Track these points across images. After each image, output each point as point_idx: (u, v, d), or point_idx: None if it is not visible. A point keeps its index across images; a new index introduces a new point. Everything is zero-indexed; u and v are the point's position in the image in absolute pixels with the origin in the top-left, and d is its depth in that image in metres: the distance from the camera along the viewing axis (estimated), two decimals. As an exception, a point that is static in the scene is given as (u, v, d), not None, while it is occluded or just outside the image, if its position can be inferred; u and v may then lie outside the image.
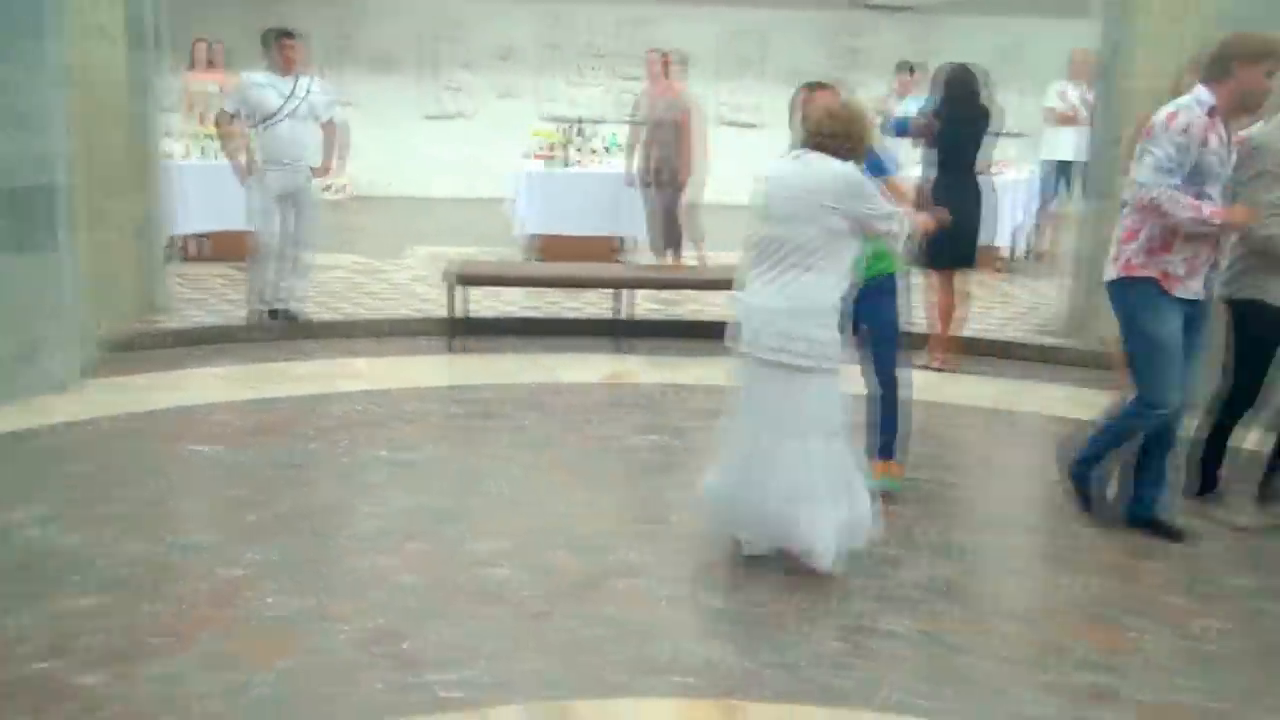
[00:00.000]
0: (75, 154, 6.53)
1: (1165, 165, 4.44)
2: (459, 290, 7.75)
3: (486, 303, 8.53)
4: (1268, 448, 5.17)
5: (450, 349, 7.69)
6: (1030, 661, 3.81)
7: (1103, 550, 4.73)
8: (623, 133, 12.85)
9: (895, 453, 5.18)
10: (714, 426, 4.87)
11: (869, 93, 14.84)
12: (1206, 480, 5.24)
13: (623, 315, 8.04)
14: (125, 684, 3.46)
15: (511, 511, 4.96)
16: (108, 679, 3.48)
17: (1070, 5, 11.21)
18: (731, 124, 15.32)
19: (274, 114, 7.51)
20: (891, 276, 5.00)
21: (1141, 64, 7.54)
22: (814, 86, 5.02)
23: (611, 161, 10.89)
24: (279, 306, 7.88)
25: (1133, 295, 4.64)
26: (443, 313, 7.92)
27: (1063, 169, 10.66)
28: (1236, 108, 4.53)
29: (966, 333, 8.06)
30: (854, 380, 4.92)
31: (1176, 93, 5.97)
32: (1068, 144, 10.46)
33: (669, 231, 9.52)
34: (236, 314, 8.05)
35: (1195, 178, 4.48)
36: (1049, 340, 8.07)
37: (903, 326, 5.17)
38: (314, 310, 8.21)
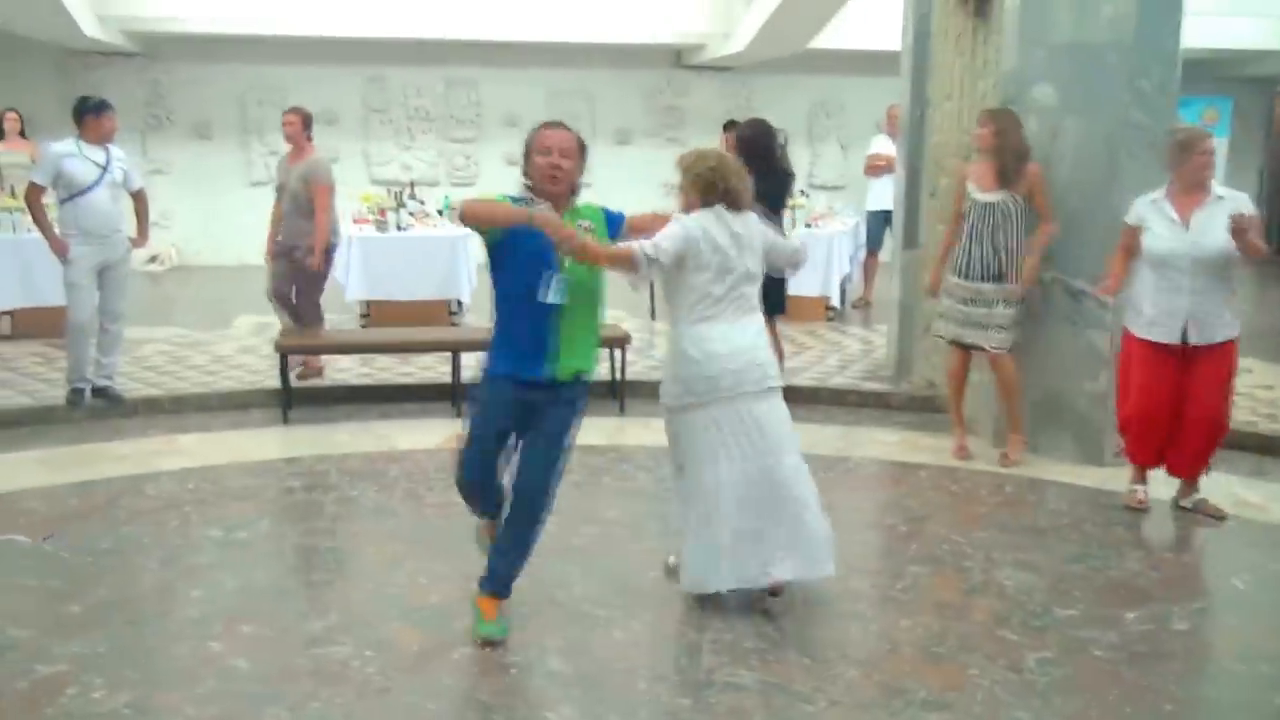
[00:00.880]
0: None
1: None
2: (290, 359, 7.57)
3: (317, 371, 8.35)
4: None
5: (283, 420, 7.47)
6: (874, 705, 3.87)
7: (937, 590, 4.87)
8: (457, 195, 12.85)
9: None
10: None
11: (693, 148, 15.18)
12: None
13: (460, 379, 7.95)
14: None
15: (347, 586, 4.83)
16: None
17: (882, 64, 11.70)
18: (561, 183, 15.39)
19: (88, 185, 7.22)
20: None
21: (944, 119, 7.90)
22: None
23: (444, 224, 10.83)
24: (100, 384, 7.54)
25: None
26: (273, 384, 7.72)
27: (886, 219, 11.06)
28: None
29: (801, 381, 8.25)
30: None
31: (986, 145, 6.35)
32: (888, 194, 10.86)
33: (307, 316, 8.27)
34: (52, 394, 7.67)
35: None
36: (878, 386, 8.31)
37: None
38: (136, 387, 7.88)
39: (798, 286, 10.63)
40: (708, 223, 4.39)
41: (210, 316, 10.79)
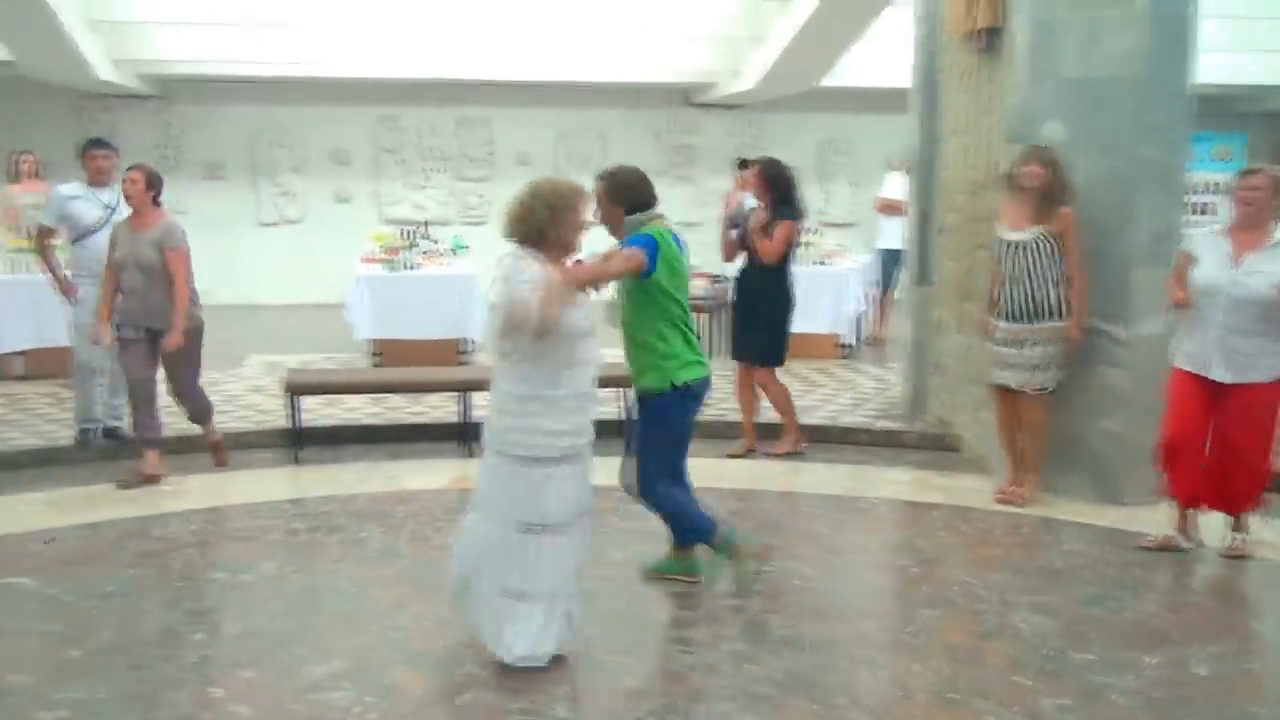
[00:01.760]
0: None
1: None
2: (299, 399, 7.54)
3: (327, 411, 8.31)
4: None
5: (293, 460, 7.44)
6: (884, 753, 3.79)
7: (950, 633, 4.78)
8: (467, 235, 12.87)
9: None
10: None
11: (704, 186, 15.24)
12: None
13: (469, 418, 7.91)
14: None
15: (351, 630, 4.76)
16: None
17: (892, 101, 11.70)
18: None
19: (95, 227, 7.23)
20: None
21: (952, 155, 7.87)
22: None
23: (455, 263, 10.84)
24: (110, 425, 7.52)
25: None
26: (282, 423, 7.69)
27: (897, 257, 11.02)
28: None
29: (812, 420, 8.19)
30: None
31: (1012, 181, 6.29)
32: (899, 234, 10.84)
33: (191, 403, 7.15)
34: (62, 434, 7.65)
35: None
36: (890, 425, 8.23)
37: None
38: (143, 427, 7.85)
39: (807, 324, 10.62)
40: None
41: (221, 356, 10.72)
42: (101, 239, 7.22)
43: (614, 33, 13.69)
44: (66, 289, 7.31)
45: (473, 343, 10.75)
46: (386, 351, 10.12)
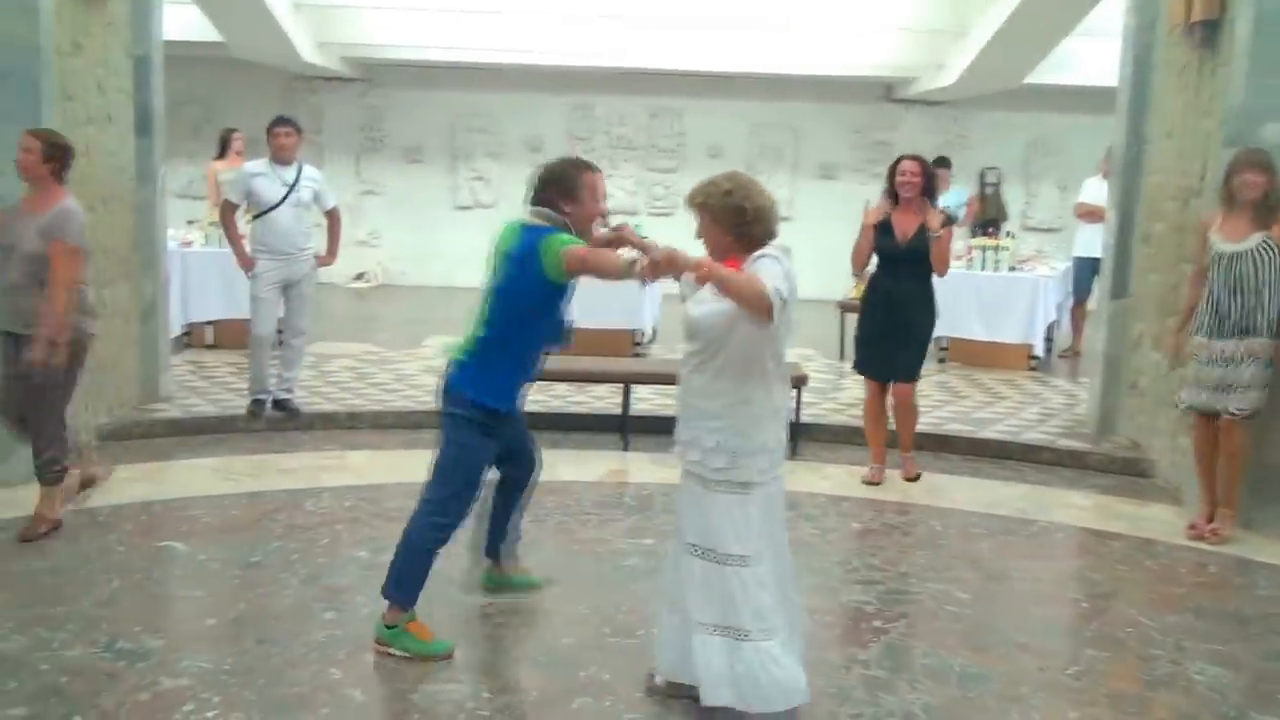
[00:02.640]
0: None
1: None
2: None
3: (493, 395, 8.31)
4: None
5: (451, 443, 7.45)
6: (1022, 807, 3.45)
7: (1115, 678, 4.36)
8: (647, 225, 12.75)
9: None
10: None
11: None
12: None
13: (629, 411, 7.78)
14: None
15: (479, 621, 4.67)
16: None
17: (1107, 101, 11.02)
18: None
19: (274, 203, 7.41)
20: None
21: (1162, 159, 7.29)
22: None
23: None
24: (281, 397, 7.71)
25: None
26: (447, 406, 7.72)
27: (1094, 266, 10.35)
28: None
29: (991, 434, 7.75)
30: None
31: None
32: (1098, 241, 10.17)
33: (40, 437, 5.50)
34: (238, 404, 7.89)
35: None
36: (1075, 444, 7.69)
37: None
38: (316, 401, 8.04)
39: (996, 333, 10.10)
40: (784, 261, 3.74)
41: (403, 335, 11.00)
42: (277, 215, 7.41)
43: (810, 23, 13.33)
44: (245, 262, 7.52)
45: (655, 332, 10.68)
46: (560, 339, 10.07)
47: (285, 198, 7.44)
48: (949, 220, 6.82)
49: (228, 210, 7.65)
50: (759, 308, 3.54)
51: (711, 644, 3.72)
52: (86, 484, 5.99)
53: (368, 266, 14.95)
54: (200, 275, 9.77)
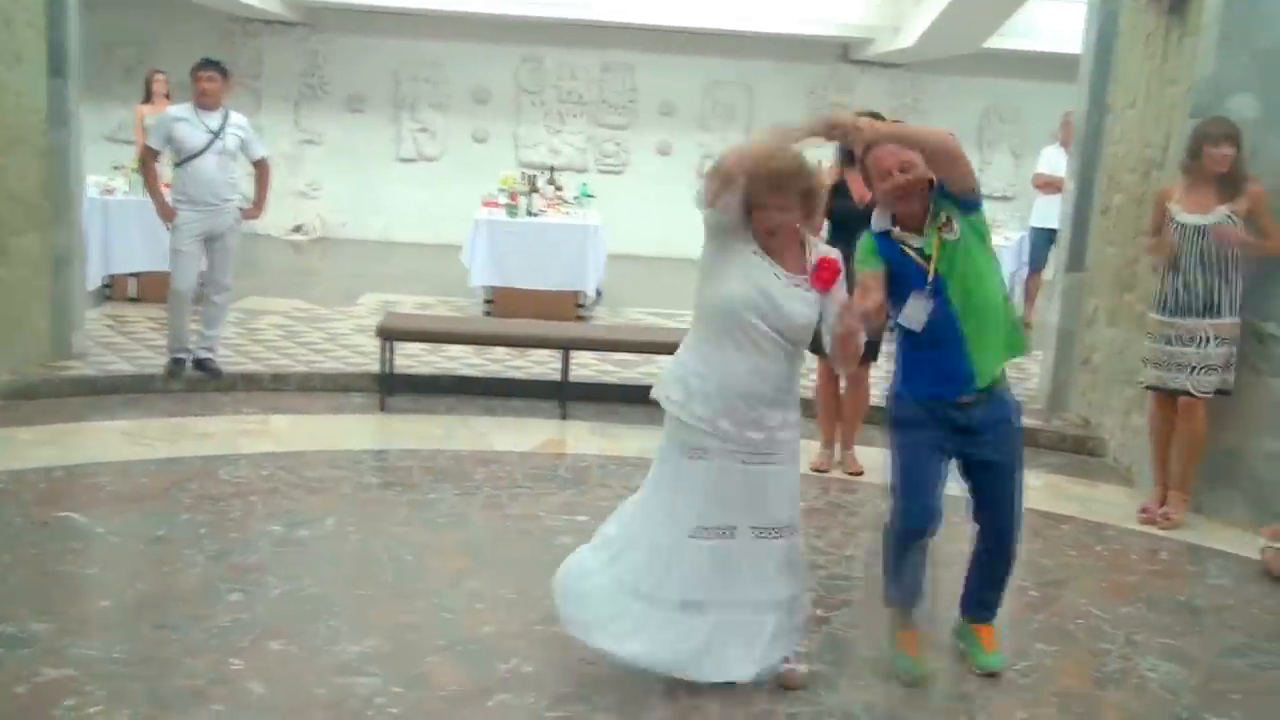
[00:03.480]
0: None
1: None
2: (399, 344, 7.24)
3: (428, 358, 7.99)
4: None
5: (383, 408, 7.13)
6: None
7: (1065, 675, 4.15)
8: (596, 183, 12.45)
9: None
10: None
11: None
12: None
13: (569, 377, 7.48)
14: None
15: (396, 604, 4.37)
16: None
17: (1066, 68, 10.80)
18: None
19: (197, 151, 6.99)
20: None
21: (1124, 129, 7.06)
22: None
23: (580, 213, 10.41)
24: (201, 356, 7.32)
25: None
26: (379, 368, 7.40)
27: (1051, 237, 10.16)
28: None
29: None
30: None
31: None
32: (1055, 212, 9.96)
33: None
34: (157, 363, 7.48)
35: None
36: (1025, 420, 7.46)
37: None
38: (240, 361, 7.66)
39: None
40: None
41: (338, 291, 10.60)
42: (200, 164, 7.00)
43: (767, -21, 13.00)
44: (165, 212, 7.11)
45: (599, 294, 10.39)
46: (501, 300, 9.74)
47: (209, 145, 7.02)
48: None
49: (148, 157, 7.21)
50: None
51: (770, 622, 3.75)
52: None
53: (306, 218, 14.47)
54: (123, 224, 9.29)
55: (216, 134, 7.04)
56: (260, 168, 7.47)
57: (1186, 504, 5.81)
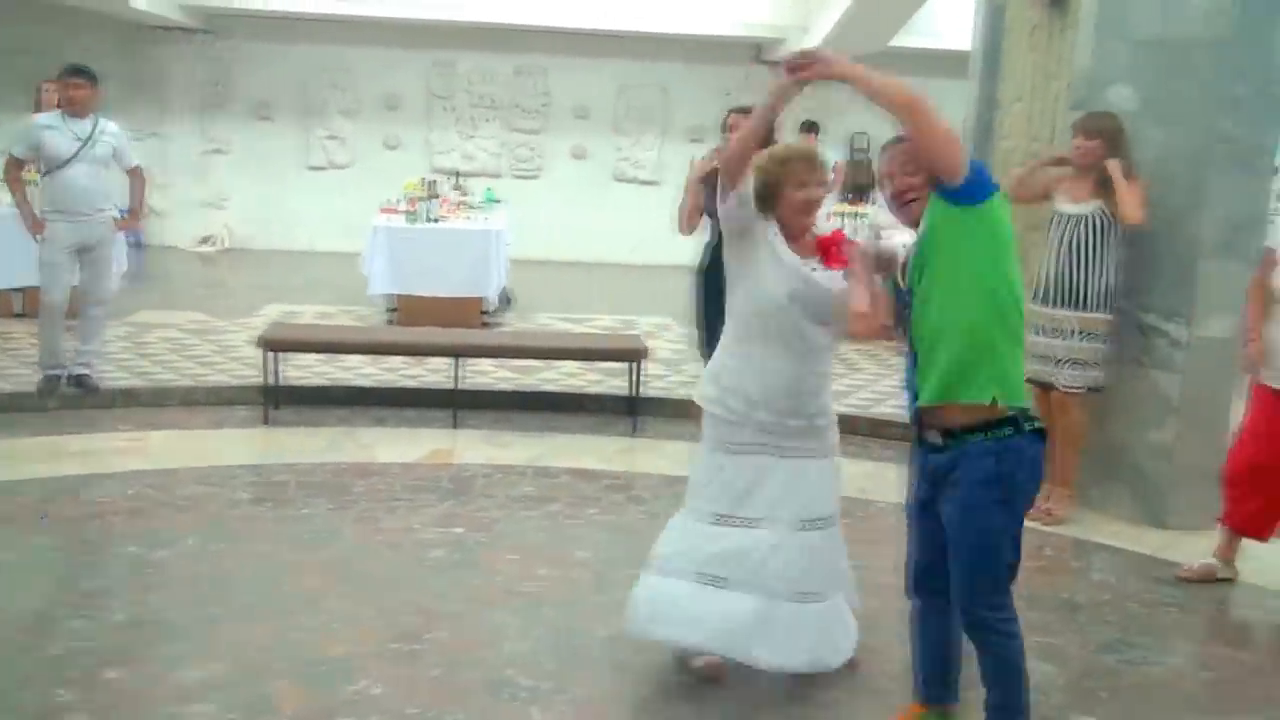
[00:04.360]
0: None
1: None
2: (292, 356, 7.06)
3: (321, 369, 7.80)
4: None
5: (266, 421, 6.93)
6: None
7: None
8: (502, 188, 12.29)
9: None
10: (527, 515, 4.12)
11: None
12: None
13: (463, 385, 7.33)
14: None
15: (248, 626, 4.20)
16: None
17: (964, 65, 10.82)
18: (631, 180, 14.75)
19: (65, 159, 6.75)
20: None
21: (1014, 123, 7.04)
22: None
23: (483, 218, 10.26)
24: (78, 372, 7.08)
25: None
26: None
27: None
28: None
29: (841, 408, 7.43)
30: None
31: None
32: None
33: None
34: (32, 380, 7.21)
35: None
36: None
37: None
38: (123, 377, 7.42)
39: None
40: None
41: (240, 303, 10.36)
42: (70, 173, 6.76)
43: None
44: (33, 225, 6.86)
45: (509, 300, 10.25)
46: (405, 308, 9.55)
47: (78, 153, 6.78)
48: None
49: (13, 166, 6.95)
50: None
51: (809, 611, 3.77)
52: None
53: (214, 229, 14.19)
54: (7, 238, 8.95)
55: (86, 141, 6.80)
56: (134, 176, 7.24)
57: (1071, 499, 5.77)
